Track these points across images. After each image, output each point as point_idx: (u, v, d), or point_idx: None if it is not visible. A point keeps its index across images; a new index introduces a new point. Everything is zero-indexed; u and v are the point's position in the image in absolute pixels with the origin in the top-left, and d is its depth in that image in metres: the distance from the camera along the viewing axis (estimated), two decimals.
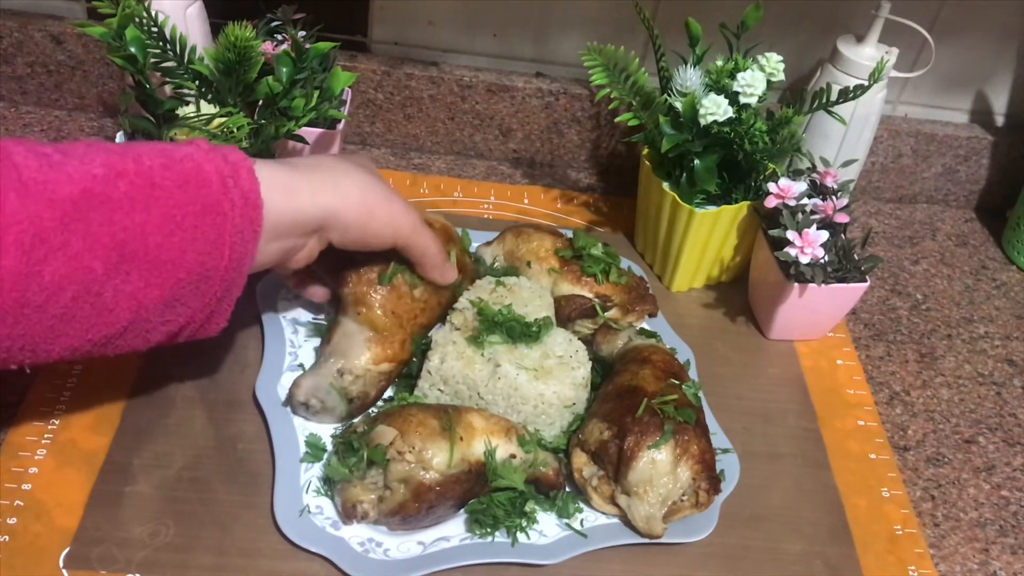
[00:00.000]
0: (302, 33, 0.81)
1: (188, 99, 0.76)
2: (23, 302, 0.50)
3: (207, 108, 0.75)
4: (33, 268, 0.49)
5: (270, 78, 0.74)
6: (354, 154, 0.84)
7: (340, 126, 0.88)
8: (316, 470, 0.66)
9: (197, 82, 0.75)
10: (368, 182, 0.64)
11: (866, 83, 0.80)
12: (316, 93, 0.76)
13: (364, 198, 0.63)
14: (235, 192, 0.56)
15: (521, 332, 0.71)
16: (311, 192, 0.61)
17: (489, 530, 0.64)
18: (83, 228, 0.51)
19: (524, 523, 0.65)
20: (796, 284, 0.79)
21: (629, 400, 0.67)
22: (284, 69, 0.75)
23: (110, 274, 0.52)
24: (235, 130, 0.71)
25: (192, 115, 0.74)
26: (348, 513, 0.63)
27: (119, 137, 0.77)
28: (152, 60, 0.73)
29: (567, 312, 0.78)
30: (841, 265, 0.80)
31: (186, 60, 0.75)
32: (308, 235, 0.62)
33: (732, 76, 0.81)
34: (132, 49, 0.70)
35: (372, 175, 0.66)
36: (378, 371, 0.70)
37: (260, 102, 0.76)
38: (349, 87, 0.87)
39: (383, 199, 0.65)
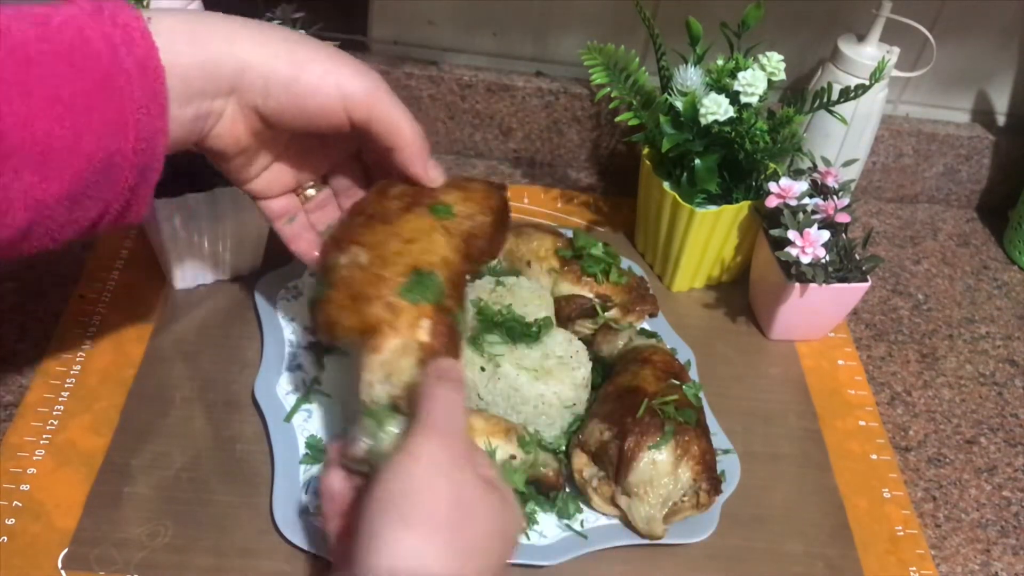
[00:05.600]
0: (301, 32, 0.81)
1: None
2: None
3: None
4: None
5: None
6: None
7: None
8: (316, 470, 0.66)
9: None
10: (301, 39, 0.54)
11: (867, 82, 0.79)
12: None
13: (292, 49, 0.53)
14: (129, 61, 0.47)
15: (521, 332, 0.70)
16: (224, 39, 0.52)
17: None
18: None
19: (524, 524, 0.65)
20: (797, 284, 0.79)
21: (629, 400, 0.67)
22: None
23: None
24: None
25: None
26: None
27: None
28: None
29: (567, 312, 0.77)
30: (842, 265, 0.80)
31: None
32: (222, 96, 0.53)
33: (733, 75, 0.80)
34: None
35: (314, 40, 0.56)
36: None
37: None
38: None
39: (322, 53, 0.54)
